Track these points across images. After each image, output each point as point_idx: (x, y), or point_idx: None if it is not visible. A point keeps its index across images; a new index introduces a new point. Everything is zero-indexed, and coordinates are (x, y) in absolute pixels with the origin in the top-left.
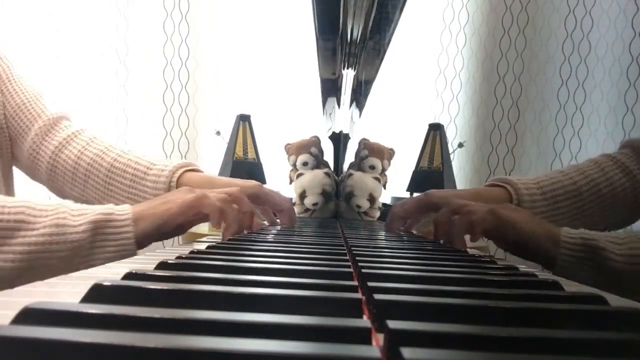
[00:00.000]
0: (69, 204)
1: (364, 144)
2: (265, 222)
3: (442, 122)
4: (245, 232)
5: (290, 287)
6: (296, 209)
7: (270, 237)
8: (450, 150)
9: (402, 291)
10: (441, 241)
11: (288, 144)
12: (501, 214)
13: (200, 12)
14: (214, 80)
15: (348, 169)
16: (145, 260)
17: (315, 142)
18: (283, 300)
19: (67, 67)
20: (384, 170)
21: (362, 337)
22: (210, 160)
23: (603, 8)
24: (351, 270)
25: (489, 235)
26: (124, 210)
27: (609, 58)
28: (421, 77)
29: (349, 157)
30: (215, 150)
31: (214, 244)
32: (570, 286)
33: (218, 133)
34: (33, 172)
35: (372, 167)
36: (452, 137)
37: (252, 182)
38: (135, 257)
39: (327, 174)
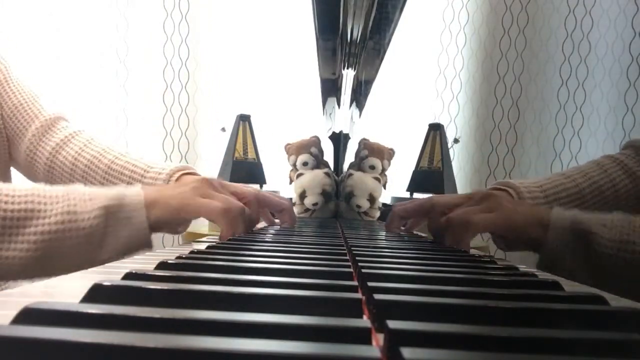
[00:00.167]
0: (78, 188)
1: (364, 144)
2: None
3: (442, 122)
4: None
5: (290, 287)
6: (296, 209)
7: (270, 237)
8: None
9: (402, 291)
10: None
11: (288, 144)
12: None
13: (200, 12)
14: (214, 80)
15: (348, 169)
16: (145, 260)
17: (315, 142)
18: (283, 300)
19: (67, 67)
20: (384, 170)
21: (362, 337)
22: (210, 160)
23: (603, 8)
24: (351, 270)
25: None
26: (136, 195)
27: (609, 58)
28: (421, 77)
29: (349, 157)
30: (215, 150)
31: (214, 244)
32: (571, 286)
33: (223, 130)
34: (30, 173)
35: (372, 167)
36: (452, 137)
37: (251, 189)
38: (135, 257)
39: (327, 174)
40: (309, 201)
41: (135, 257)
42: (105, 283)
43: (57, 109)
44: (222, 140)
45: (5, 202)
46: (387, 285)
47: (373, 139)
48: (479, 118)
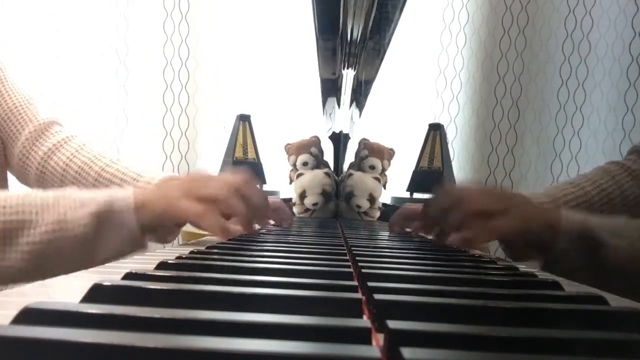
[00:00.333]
0: (70, 194)
1: (364, 144)
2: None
3: (442, 122)
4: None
5: (291, 287)
6: (296, 209)
7: (270, 237)
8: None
9: (402, 291)
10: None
11: (288, 144)
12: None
13: (200, 12)
14: (214, 80)
15: (348, 169)
16: (145, 260)
17: (315, 142)
18: (283, 300)
19: (67, 67)
20: (384, 170)
21: (362, 337)
22: (210, 160)
23: (603, 8)
24: (351, 270)
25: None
26: (125, 198)
27: (609, 58)
28: (421, 77)
29: (349, 157)
30: (215, 151)
31: (214, 244)
32: (571, 286)
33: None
34: (23, 177)
35: (372, 167)
36: (452, 137)
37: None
38: (135, 257)
39: (327, 174)
40: (309, 201)
41: (135, 257)
42: (105, 283)
43: (51, 113)
44: (222, 140)
45: None
46: (387, 285)
47: (373, 139)
48: (479, 118)
